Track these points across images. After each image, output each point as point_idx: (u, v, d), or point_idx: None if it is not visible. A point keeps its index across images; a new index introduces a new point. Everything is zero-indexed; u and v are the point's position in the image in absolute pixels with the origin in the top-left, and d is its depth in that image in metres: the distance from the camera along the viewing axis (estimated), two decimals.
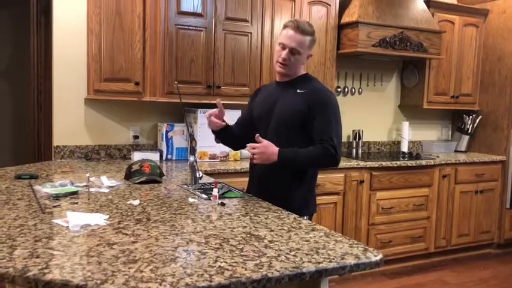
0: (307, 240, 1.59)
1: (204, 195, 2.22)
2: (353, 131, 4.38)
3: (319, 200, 3.49)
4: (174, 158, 3.49)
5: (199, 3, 3.31)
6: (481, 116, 4.73)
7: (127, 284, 1.18)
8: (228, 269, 1.30)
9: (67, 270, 1.25)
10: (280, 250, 1.48)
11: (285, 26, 2.21)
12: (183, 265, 1.32)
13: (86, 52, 3.24)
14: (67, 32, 3.26)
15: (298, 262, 1.38)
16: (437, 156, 4.36)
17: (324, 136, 2.12)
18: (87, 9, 3.19)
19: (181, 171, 3.02)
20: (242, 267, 1.32)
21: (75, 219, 1.70)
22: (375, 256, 1.47)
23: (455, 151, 4.82)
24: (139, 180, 2.51)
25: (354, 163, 3.77)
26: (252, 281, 1.25)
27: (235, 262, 1.36)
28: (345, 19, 3.91)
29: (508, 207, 4.56)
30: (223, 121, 2.33)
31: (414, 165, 4.02)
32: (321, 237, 1.64)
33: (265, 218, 1.87)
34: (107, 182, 2.47)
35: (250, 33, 3.52)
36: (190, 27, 3.30)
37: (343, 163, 3.71)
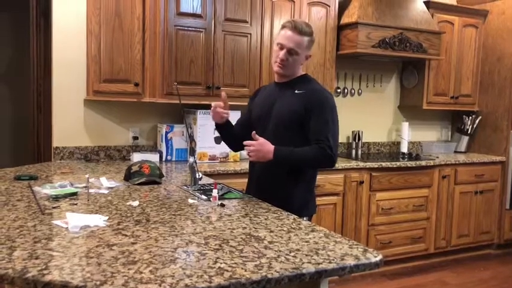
0: (307, 241, 1.59)
1: (203, 196, 2.22)
2: (353, 131, 4.38)
3: (319, 200, 3.49)
4: (173, 159, 3.49)
5: (199, 4, 3.31)
6: (480, 117, 4.73)
7: (126, 285, 1.18)
8: (227, 270, 1.29)
9: (66, 272, 1.25)
10: (280, 251, 1.48)
11: (283, 27, 2.22)
12: (183, 266, 1.32)
13: (85, 53, 3.24)
14: (66, 33, 3.26)
15: (297, 263, 1.38)
16: (437, 157, 4.36)
17: (320, 136, 2.12)
18: (86, 10, 3.19)
19: (181, 172, 3.01)
20: (242, 268, 1.31)
21: (74, 220, 1.70)
22: (374, 257, 1.47)
23: (455, 152, 4.83)
24: (139, 181, 2.51)
25: (353, 164, 3.77)
26: (251, 282, 1.25)
27: (235, 263, 1.35)
28: (345, 20, 3.91)
29: (507, 207, 4.56)
30: (227, 114, 2.34)
31: (414, 165, 4.02)
32: (320, 238, 1.64)
33: (265, 219, 1.87)
34: (106, 183, 2.47)
35: (250, 34, 3.52)
36: (190, 28, 3.31)
37: (343, 164, 3.71)
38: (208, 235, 1.62)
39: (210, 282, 1.21)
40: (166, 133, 3.46)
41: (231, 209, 2.04)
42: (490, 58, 4.66)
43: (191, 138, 3.32)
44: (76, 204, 2.01)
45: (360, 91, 4.45)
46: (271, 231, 1.70)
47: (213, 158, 3.50)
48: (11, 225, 1.65)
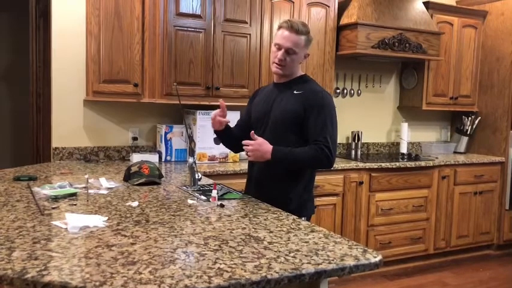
0: (306, 242, 1.59)
1: (203, 197, 2.22)
2: (352, 132, 4.38)
3: (319, 201, 3.50)
4: (173, 159, 3.49)
5: (198, 4, 3.31)
6: (480, 117, 4.74)
7: (126, 285, 1.18)
8: (227, 271, 1.29)
9: (66, 272, 1.25)
10: (280, 251, 1.48)
11: (280, 27, 2.23)
12: (182, 267, 1.32)
13: (84, 54, 3.24)
14: (66, 34, 3.26)
15: (297, 263, 1.38)
16: (437, 158, 4.36)
17: (318, 137, 2.13)
18: (86, 11, 3.19)
19: (181, 173, 3.01)
20: (241, 269, 1.31)
21: (73, 220, 1.69)
22: (374, 257, 1.47)
23: (455, 152, 4.83)
24: (138, 182, 2.51)
25: (353, 164, 3.77)
26: (251, 282, 1.24)
27: (235, 264, 1.35)
28: (344, 20, 3.91)
29: (507, 208, 4.56)
30: (227, 121, 2.35)
31: (413, 166, 4.02)
32: (320, 238, 1.64)
33: (265, 220, 1.87)
34: (105, 183, 2.46)
35: (249, 34, 3.52)
36: (189, 29, 3.31)
37: (342, 164, 3.71)
38: (207, 236, 1.62)
39: (210, 282, 1.21)
40: (166, 133, 3.46)
41: (230, 209, 2.03)
42: (489, 58, 4.66)
43: (190, 139, 3.33)
44: (75, 204, 2.01)
45: (359, 92, 4.45)
46: (271, 232, 1.70)
47: (212, 158, 3.50)
48: (10, 226, 1.65)
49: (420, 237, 4.11)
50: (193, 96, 3.36)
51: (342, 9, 3.94)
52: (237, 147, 2.48)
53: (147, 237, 1.58)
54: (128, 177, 2.59)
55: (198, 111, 3.42)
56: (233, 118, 3.42)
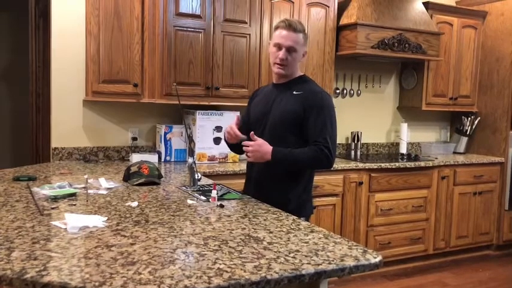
0: (306, 242, 1.59)
1: (202, 197, 2.22)
2: (352, 132, 4.38)
3: (318, 201, 3.50)
4: (172, 159, 3.49)
5: (198, 4, 3.31)
6: (479, 118, 4.74)
7: (125, 286, 1.18)
8: (227, 271, 1.29)
9: (65, 273, 1.25)
10: (279, 252, 1.48)
11: (277, 27, 2.24)
12: (182, 267, 1.31)
13: (84, 54, 3.24)
14: (65, 34, 3.26)
15: (297, 264, 1.38)
16: (436, 158, 4.36)
17: (318, 138, 2.13)
18: (85, 11, 3.19)
19: (180, 173, 3.01)
20: (241, 269, 1.31)
21: (73, 221, 1.69)
22: (374, 258, 1.47)
23: (454, 152, 4.83)
24: (138, 182, 2.50)
25: (352, 165, 3.77)
26: (251, 283, 1.24)
27: (234, 264, 1.35)
28: (344, 21, 3.91)
29: (506, 208, 4.56)
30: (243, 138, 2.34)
31: (413, 166, 4.02)
32: (320, 238, 1.64)
33: (264, 220, 1.87)
34: (105, 183, 2.46)
35: (249, 34, 3.52)
36: (189, 29, 3.30)
37: (342, 165, 3.71)
38: (207, 236, 1.62)
39: (209, 283, 1.21)
40: (165, 134, 3.46)
41: (230, 209, 2.03)
42: (489, 59, 4.66)
43: (190, 139, 3.32)
44: (75, 205, 2.01)
45: (359, 92, 4.45)
46: (271, 232, 1.69)
47: (212, 158, 3.49)
48: (9, 226, 1.65)
49: (420, 237, 4.11)
50: (192, 97, 3.36)
51: (341, 9, 3.94)
52: (240, 149, 2.48)
53: (147, 237, 1.58)
54: (128, 177, 2.59)
55: (198, 111, 3.42)
56: (233, 118, 3.43)
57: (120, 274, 1.24)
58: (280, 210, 2.04)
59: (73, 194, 2.16)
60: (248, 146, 2.15)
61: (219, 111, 3.48)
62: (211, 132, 3.46)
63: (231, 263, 1.36)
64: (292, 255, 1.45)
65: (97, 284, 1.18)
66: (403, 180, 3.98)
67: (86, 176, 2.37)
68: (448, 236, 4.29)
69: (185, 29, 3.29)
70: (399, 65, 4.66)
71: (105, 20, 3.14)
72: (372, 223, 3.87)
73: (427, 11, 4.27)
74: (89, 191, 2.25)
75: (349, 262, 1.42)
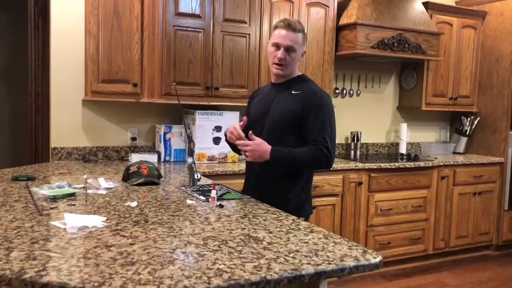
0: (306, 242, 1.59)
1: (202, 197, 2.21)
2: (351, 132, 4.38)
3: (318, 201, 3.50)
4: (172, 159, 3.48)
5: (198, 4, 3.30)
6: (479, 118, 4.74)
7: (124, 286, 1.17)
8: (226, 271, 1.29)
9: (64, 273, 1.24)
10: (279, 252, 1.47)
11: (276, 27, 2.24)
12: (181, 267, 1.31)
13: (83, 53, 3.24)
14: (65, 33, 3.25)
15: (297, 264, 1.37)
16: (436, 158, 4.36)
17: (317, 137, 2.12)
18: (84, 10, 3.18)
19: (180, 173, 3.01)
20: (241, 270, 1.31)
21: (72, 221, 1.69)
22: (374, 258, 1.46)
23: (454, 153, 4.83)
24: (137, 182, 2.50)
25: (352, 165, 3.77)
26: (250, 283, 1.24)
27: (234, 264, 1.35)
28: (343, 21, 3.91)
29: (506, 208, 4.56)
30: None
31: (412, 166, 4.01)
32: (319, 239, 1.63)
33: (264, 220, 1.86)
34: (104, 183, 2.46)
35: (249, 34, 3.52)
36: (189, 29, 3.30)
37: (342, 165, 3.71)
38: (207, 236, 1.61)
39: (209, 283, 1.20)
40: (165, 134, 3.45)
41: (229, 209, 2.03)
42: (489, 59, 4.66)
43: (190, 139, 3.32)
44: (74, 205, 2.00)
45: (358, 92, 4.45)
46: (270, 232, 1.69)
47: (211, 158, 3.49)
48: (8, 226, 1.64)
49: (419, 237, 4.11)
50: (192, 96, 3.36)
51: (341, 9, 3.94)
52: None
53: (146, 237, 1.57)
54: (127, 177, 2.59)
55: (197, 111, 3.41)
56: (233, 118, 3.44)
57: (119, 274, 1.24)
58: (279, 210, 2.03)
59: (72, 194, 2.16)
60: (245, 145, 2.13)
61: (218, 111, 3.48)
62: (210, 132, 3.45)
63: (231, 263, 1.36)
64: (292, 255, 1.45)
65: (96, 284, 1.18)
66: (402, 180, 3.98)
67: (85, 176, 2.36)
68: (447, 236, 4.29)
69: (185, 28, 3.28)
70: (399, 65, 4.66)
71: (104, 20, 3.14)
72: (371, 223, 3.86)
73: (427, 11, 4.27)
74: (88, 191, 2.25)
75: (349, 262, 1.42)
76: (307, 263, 1.38)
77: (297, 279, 1.31)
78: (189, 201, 2.14)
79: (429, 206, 4.14)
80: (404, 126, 4.53)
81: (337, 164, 3.69)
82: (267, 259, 1.40)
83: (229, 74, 3.47)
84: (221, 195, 2.28)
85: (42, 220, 1.74)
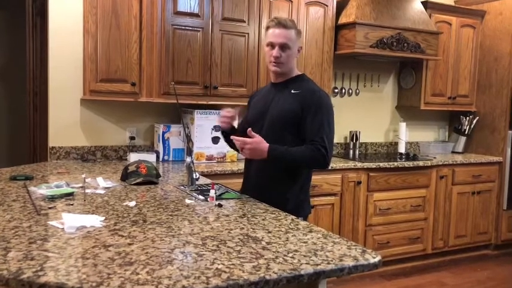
0: (305, 242, 1.58)
1: (201, 197, 2.21)
2: (350, 132, 4.38)
3: (316, 201, 3.50)
4: (170, 159, 3.47)
5: (196, 3, 3.30)
6: (478, 117, 4.74)
7: (123, 286, 1.17)
8: (225, 271, 1.28)
9: (62, 273, 1.24)
10: (278, 252, 1.47)
11: (268, 27, 2.27)
12: (180, 267, 1.31)
13: (82, 52, 3.23)
14: (63, 32, 3.24)
15: (296, 264, 1.37)
16: (435, 157, 4.36)
17: (315, 137, 2.13)
18: (83, 9, 3.17)
19: (178, 173, 3.00)
20: (239, 269, 1.30)
21: (70, 220, 1.68)
22: (373, 258, 1.46)
23: (453, 152, 4.83)
24: (136, 182, 2.49)
25: (351, 164, 3.76)
26: (249, 283, 1.23)
27: (233, 264, 1.34)
28: (342, 20, 3.91)
29: (504, 208, 4.56)
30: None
31: (411, 166, 4.01)
32: (318, 238, 1.63)
33: (263, 220, 1.86)
34: (103, 183, 2.45)
35: (248, 33, 3.51)
36: (187, 28, 3.29)
37: (340, 164, 3.71)
38: (205, 236, 1.61)
39: (208, 283, 1.20)
40: (163, 133, 3.45)
41: (228, 209, 2.02)
42: (488, 58, 4.66)
43: (188, 138, 3.31)
44: (72, 204, 2.00)
45: (357, 91, 4.45)
46: (269, 232, 1.69)
47: (210, 158, 3.48)
48: (6, 226, 1.64)
49: (418, 237, 4.11)
50: (191, 96, 3.35)
51: (340, 8, 3.94)
52: None
53: (145, 237, 1.57)
54: (125, 176, 2.58)
55: (196, 110, 3.41)
56: None
57: (117, 274, 1.24)
58: (278, 210, 2.03)
59: (70, 194, 2.15)
60: (241, 142, 2.13)
61: (217, 111, 3.47)
62: (209, 132, 3.45)
63: (230, 263, 1.35)
64: (291, 255, 1.44)
65: (94, 284, 1.17)
66: (401, 180, 3.98)
67: (83, 176, 2.36)
68: (446, 236, 4.29)
69: (183, 27, 3.28)
70: (398, 65, 4.65)
71: (102, 19, 3.13)
72: (370, 223, 3.86)
73: (426, 10, 4.27)
74: (87, 191, 2.24)
75: (348, 262, 1.42)
76: (306, 263, 1.38)
77: (296, 279, 1.31)
78: (187, 201, 2.13)
79: (428, 205, 4.14)
80: (403, 125, 4.53)
81: (336, 164, 3.69)
82: (265, 259, 1.40)
83: (228, 73, 3.47)
84: (220, 195, 2.27)
85: (40, 220, 1.73)
